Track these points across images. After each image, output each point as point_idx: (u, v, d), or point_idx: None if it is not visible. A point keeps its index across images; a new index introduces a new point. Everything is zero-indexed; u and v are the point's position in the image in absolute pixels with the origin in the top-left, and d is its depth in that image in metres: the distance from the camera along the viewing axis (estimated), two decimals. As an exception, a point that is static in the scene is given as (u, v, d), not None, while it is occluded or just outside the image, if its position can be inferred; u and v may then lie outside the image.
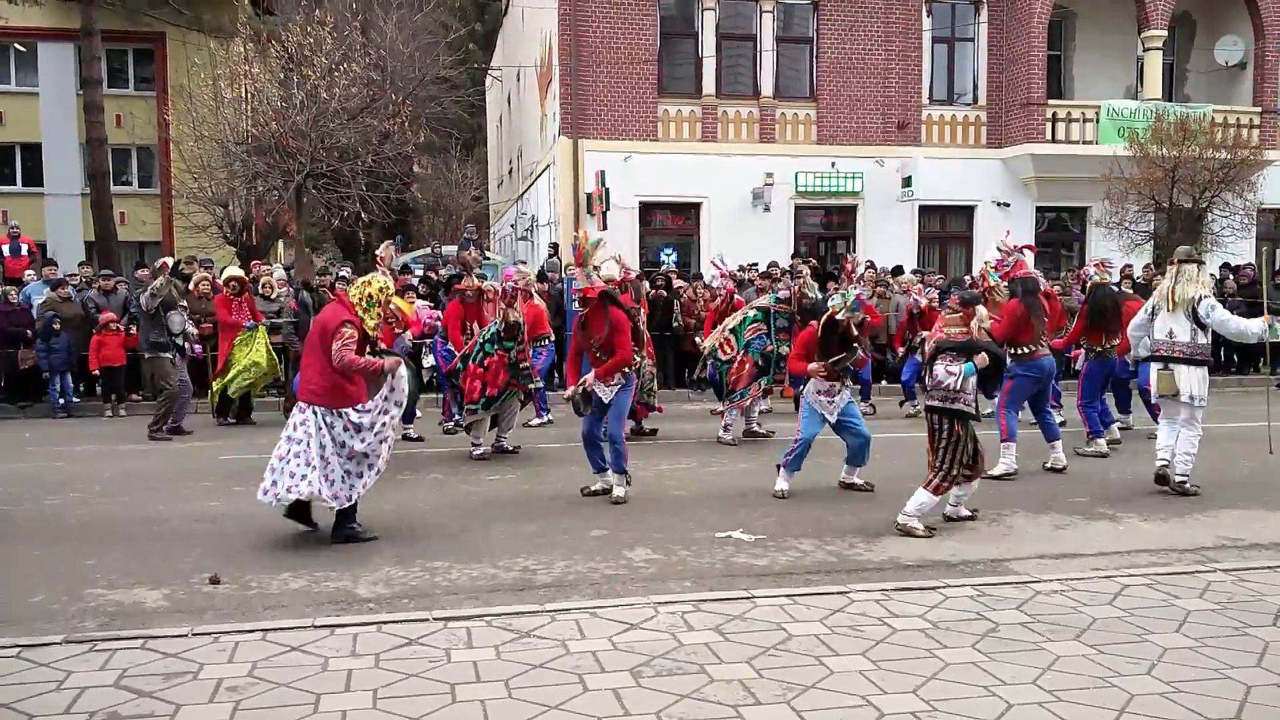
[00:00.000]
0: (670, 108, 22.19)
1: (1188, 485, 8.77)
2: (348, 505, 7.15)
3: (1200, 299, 8.66)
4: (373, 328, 7.20)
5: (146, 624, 5.46)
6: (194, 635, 5.13)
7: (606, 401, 8.52)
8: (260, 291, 15.76)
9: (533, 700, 4.34)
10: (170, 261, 15.68)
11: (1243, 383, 18.07)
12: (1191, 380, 8.66)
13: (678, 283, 17.05)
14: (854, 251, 21.92)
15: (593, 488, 8.83)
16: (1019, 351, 9.80)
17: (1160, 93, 23.27)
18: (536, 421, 12.97)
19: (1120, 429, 11.85)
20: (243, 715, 4.23)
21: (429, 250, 23.50)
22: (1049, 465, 10.03)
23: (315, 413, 7.03)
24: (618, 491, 8.58)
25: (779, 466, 8.86)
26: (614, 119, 21.87)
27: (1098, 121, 22.54)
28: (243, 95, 19.35)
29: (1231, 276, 19.16)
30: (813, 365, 8.59)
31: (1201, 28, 25.12)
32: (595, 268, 8.78)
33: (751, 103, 22.52)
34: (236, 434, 12.80)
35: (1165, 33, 23.16)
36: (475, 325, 11.14)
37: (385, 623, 5.33)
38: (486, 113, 39.96)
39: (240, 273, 14.20)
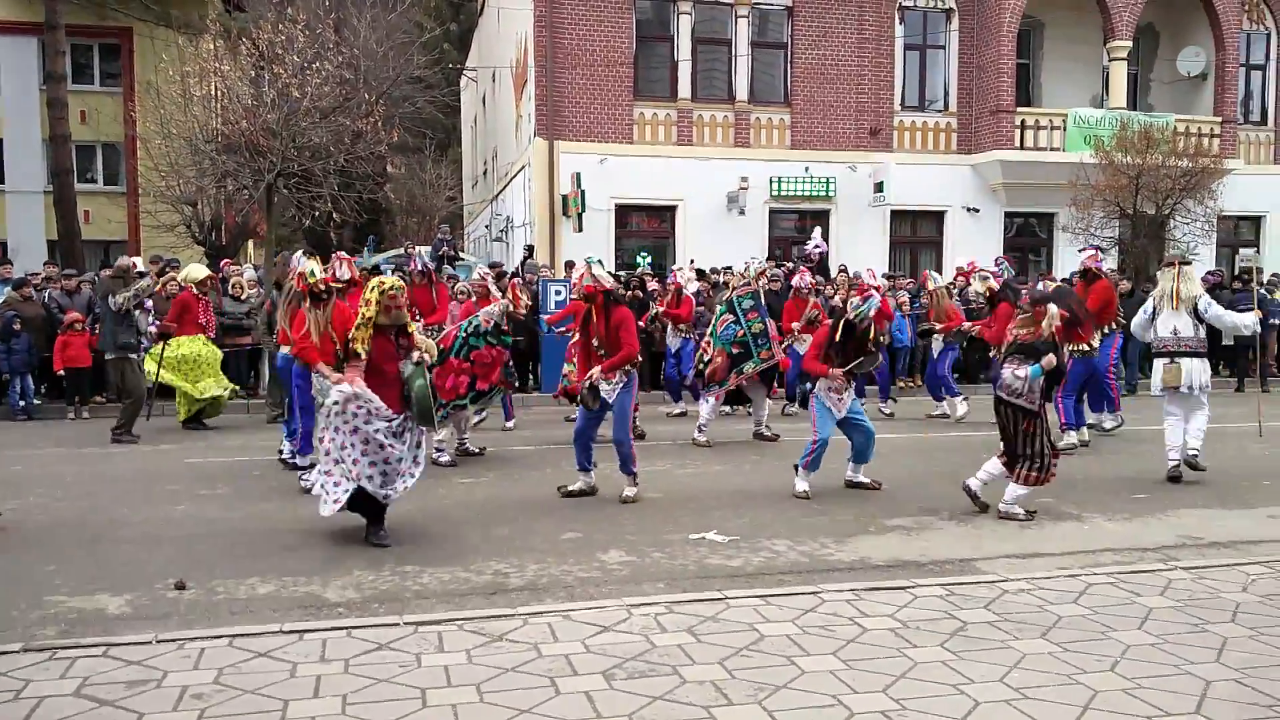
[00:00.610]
0: (646, 110, 22.23)
1: (1199, 460, 9.39)
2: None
3: (1199, 297, 9.48)
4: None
5: (108, 631, 5.38)
6: (158, 642, 5.05)
7: (610, 401, 8.55)
8: (230, 292, 15.64)
9: (504, 704, 4.33)
10: (139, 261, 15.52)
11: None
12: (1196, 371, 9.38)
13: (652, 285, 17.06)
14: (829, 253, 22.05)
15: (571, 488, 8.82)
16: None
17: (1125, 102, 23.57)
18: (510, 424, 12.94)
19: (1090, 428, 12.02)
20: (210, 720, 4.19)
21: (403, 251, 23.39)
22: None
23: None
24: (628, 491, 8.66)
25: (797, 467, 8.94)
26: (589, 121, 21.88)
27: (1065, 129, 22.80)
28: (212, 93, 19.16)
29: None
30: (834, 370, 8.72)
31: (1165, 39, 25.46)
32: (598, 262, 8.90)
33: (727, 107, 22.60)
34: (203, 437, 12.69)
35: (1130, 43, 23.47)
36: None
37: (355, 627, 5.29)
38: (461, 113, 39.85)
39: (205, 272, 13.96)
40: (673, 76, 22.42)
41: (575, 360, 9.91)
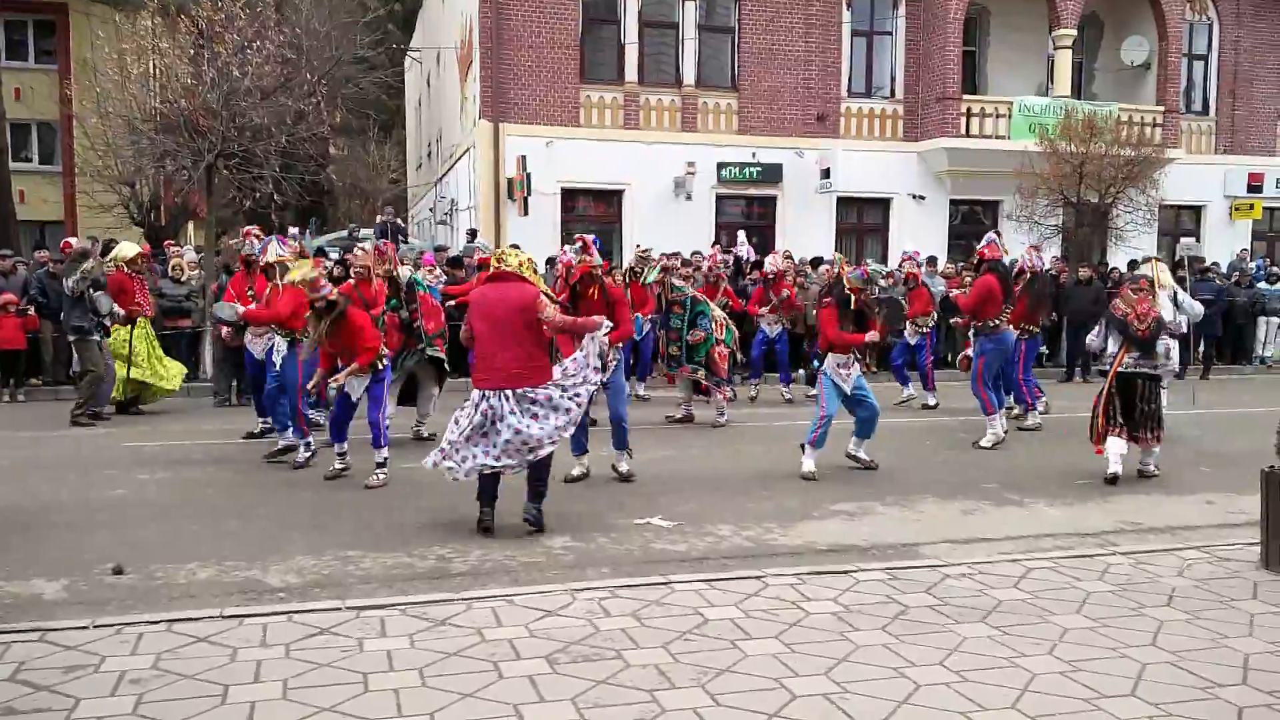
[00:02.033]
0: (593, 94, 22.10)
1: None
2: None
3: (1175, 288, 10.90)
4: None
5: (45, 616, 5.29)
6: (95, 627, 4.98)
7: (604, 381, 8.47)
8: (170, 274, 15.35)
9: (446, 689, 4.31)
10: (92, 243, 15.17)
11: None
12: (1175, 350, 10.16)
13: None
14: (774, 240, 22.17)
15: (574, 473, 8.78)
16: (986, 325, 10.89)
17: (1070, 90, 23.86)
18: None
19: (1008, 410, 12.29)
20: (146, 709, 4.12)
21: (346, 233, 23.13)
22: (983, 443, 10.68)
23: (504, 397, 6.82)
24: (623, 466, 8.82)
25: (803, 446, 9.06)
26: (535, 104, 21.71)
27: (1010, 117, 23.01)
28: (150, 71, 18.76)
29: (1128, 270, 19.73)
30: (870, 334, 9.03)
31: (1109, 28, 25.80)
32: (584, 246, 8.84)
33: (674, 91, 22.54)
34: (143, 420, 12.46)
35: (1075, 32, 23.71)
36: None
37: (296, 612, 5.24)
38: (405, 94, 39.38)
39: (135, 249, 13.53)
40: (619, 60, 22.30)
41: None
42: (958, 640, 4.92)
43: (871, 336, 9.06)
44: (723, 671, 4.51)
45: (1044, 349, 15.64)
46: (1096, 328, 9.50)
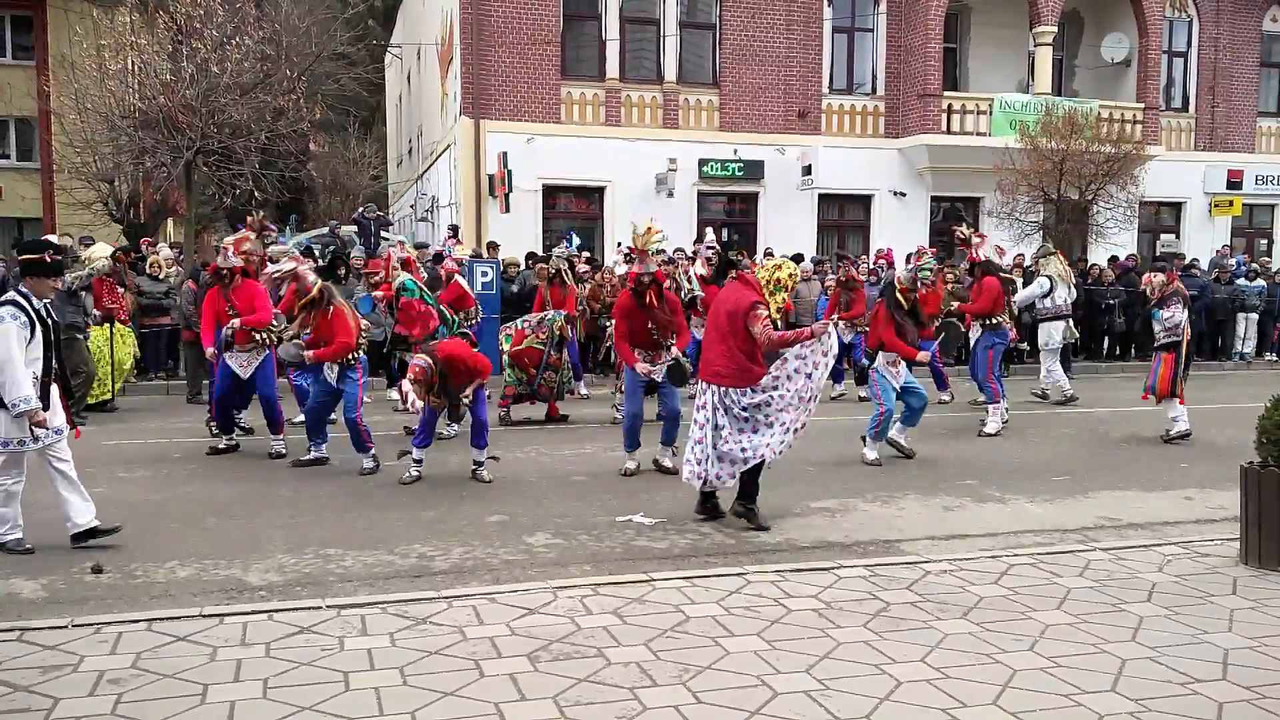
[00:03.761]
0: (574, 90, 22.05)
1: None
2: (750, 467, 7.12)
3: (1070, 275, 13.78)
4: (775, 310, 7.49)
5: (23, 615, 5.26)
6: (74, 626, 4.94)
7: (660, 380, 8.87)
8: (148, 271, 15.24)
9: (427, 687, 4.30)
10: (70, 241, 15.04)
11: (1125, 368, 18.76)
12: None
13: (582, 267, 16.95)
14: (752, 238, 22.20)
15: (630, 467, 9.00)
16: (993, 322, 11.68)
17: (1050, 87, 23.94)
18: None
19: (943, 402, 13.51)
20: (125, 708, 4.10)
21: (326, 230, 23.00)
22: (987, 429, 11.33)
23: (716, 392, 7.10)
24: (667, 462, 9.08)
25: (864, 438, 9.61)
26: (516, 100, 21.64)
27: (991, 114, 23.09)
28: (129, 67, 18.62)
29: (1107, 266, 19.86)
30: (921, 355, 9.66)
31: (1089, 25, 25.90)
32: (654, 251, 9.05)
33: (655, 87, 22.52)
34: (122, 419, 12.38)
35: (1055, 29, 23.79)
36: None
37: (277, 611, 5.21)
38: (386, 91, 39.22)
39: (108, 251, 13.39)
40: (601, 56, 22.25)
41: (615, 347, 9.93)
42: (939, 637, 4.93)
43: (923, 356, 9.71)
44: (704, 669, 4.51)
45: (1024, 345, 15.78)
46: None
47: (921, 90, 23.01)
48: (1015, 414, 12.17)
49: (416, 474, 8.59)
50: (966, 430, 11.44)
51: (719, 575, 5.86)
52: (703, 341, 7.47)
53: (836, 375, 14.47)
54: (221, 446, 9.93)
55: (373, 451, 8.94)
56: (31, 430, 6.29)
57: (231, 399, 9.98)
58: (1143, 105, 24.16)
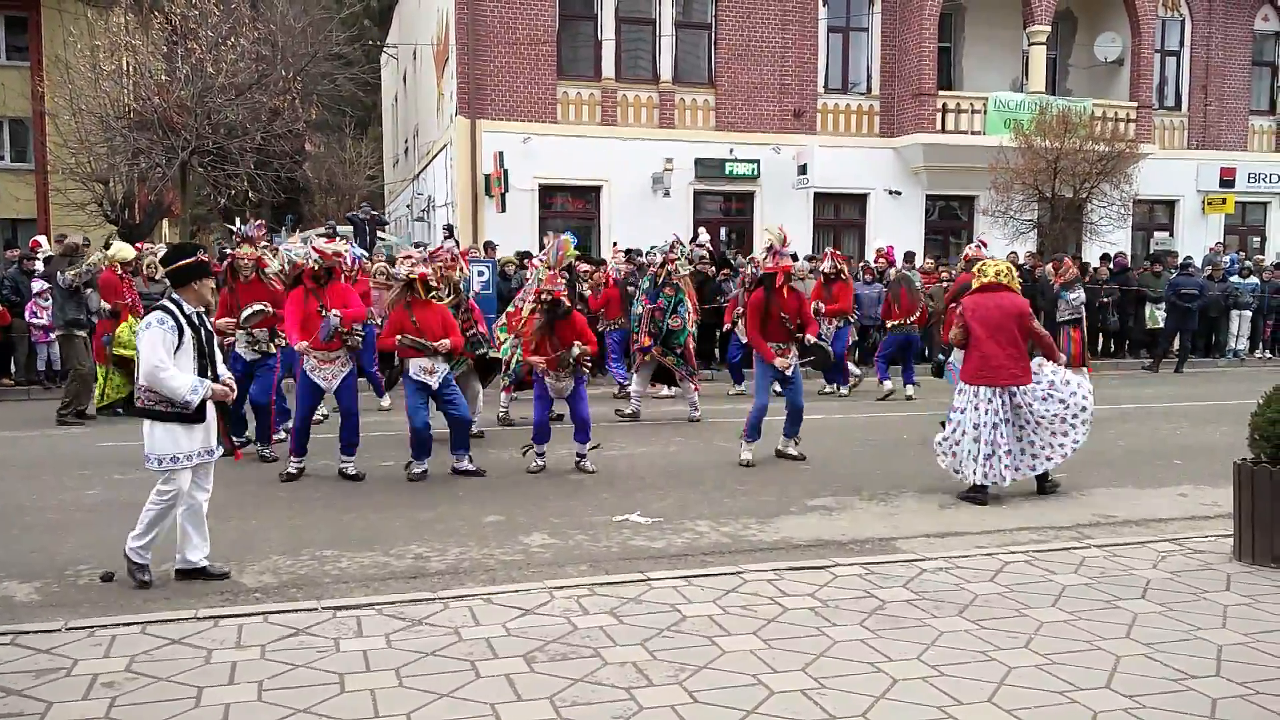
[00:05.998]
0: (570, 90, 22.05)
1: None
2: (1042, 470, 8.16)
3: None
4: None
5: (16, 618, 5.25)
6: (68, 630, 4.94)
7: (790, 374, 9.31)
8: (144, 272, 15.19)
9: (423, 688, 4.30)
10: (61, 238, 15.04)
11: (1119, 364, 18.80)
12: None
13: (581, 266, 16.92)
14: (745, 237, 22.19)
15: (747, 458, 9.31)
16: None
17: (1044, 86, 23.96)
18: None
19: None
20: (119, 712, 4.09)
21: (323, 230, 22.98)
22: None
23: (1010, 393, 7.92)
24: (792, 450, 9.60)
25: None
26: (512, 100, 21.64)
27: (985, 113, 23.11)
28: (124, 68, 18.61)
29: (1100, 265, 19.89)
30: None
31: (1083, 24, 25.94)
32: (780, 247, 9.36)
33: (651, 87, 22.52)
34: (120, 421, 12.34)
35: (1049, 28, 23.84)
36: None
37: (272, 613, 5.21)
38: (382, 91, 39.19)
39: (133, 252, 13.40)
40: (596, 55, 22.26)
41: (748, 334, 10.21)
42: (935, 635, 4.93)
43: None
44: (701, 668, 4.51)
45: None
46: None
47: (916, 89, 23.04)
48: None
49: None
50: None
51: (715, 574, 5.86)
52: (982, 349, 7.91)
53: (834, 374, 14.61)
54: (293, 471, 8.81)
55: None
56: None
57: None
58: (1136, 104, 24.19)
